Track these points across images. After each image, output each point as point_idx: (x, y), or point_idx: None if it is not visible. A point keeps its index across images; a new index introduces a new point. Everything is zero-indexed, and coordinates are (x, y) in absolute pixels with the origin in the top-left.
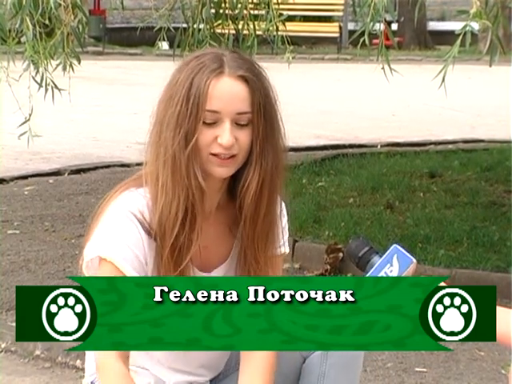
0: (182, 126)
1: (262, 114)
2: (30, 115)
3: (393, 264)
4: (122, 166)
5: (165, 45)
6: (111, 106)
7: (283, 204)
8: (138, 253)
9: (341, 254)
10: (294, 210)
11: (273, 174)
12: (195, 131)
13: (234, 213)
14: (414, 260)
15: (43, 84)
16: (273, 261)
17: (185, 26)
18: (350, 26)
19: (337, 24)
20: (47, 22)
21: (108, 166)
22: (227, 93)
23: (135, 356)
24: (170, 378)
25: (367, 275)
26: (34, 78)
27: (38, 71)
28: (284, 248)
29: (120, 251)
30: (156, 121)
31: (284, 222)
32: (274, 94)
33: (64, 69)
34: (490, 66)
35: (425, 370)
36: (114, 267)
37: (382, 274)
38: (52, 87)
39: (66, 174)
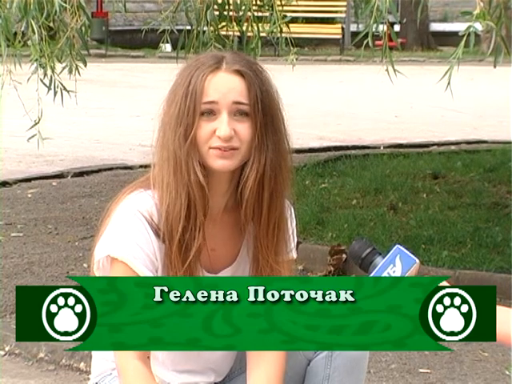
0: (181, 122)
1: (260, 107)
2: (40, 118)
3: (396, 264)
4: (125, 168)
5: (168, 47)
6: (114, 108)
7: (292, 209)
8: (149, 251)
9: (344, 256)
10: (297, 212)
11: (274, 171)
12: (193, 125)
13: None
14: (417, 260)
15: (52, 87)
16: (284, 266)
17: (188, 27)
18: (353, 27)
19: (339, 25)
20: (51, 24)
21: (111, 169)
22: (223, 84)
23: None
24: (175, 380)
25: (370, 276)
26: (42, 80)
27: (46, 74)
28: (292, 253)
29: (131, 250)
30: (161, 123)
31: (292, 228)
32: (275, 92)
33: (70, 72)
34: (495, 66)
35: (429, 371)
36: (127, 266)
37: (385, 274)
38: (61, 89)
39: (69, 177)
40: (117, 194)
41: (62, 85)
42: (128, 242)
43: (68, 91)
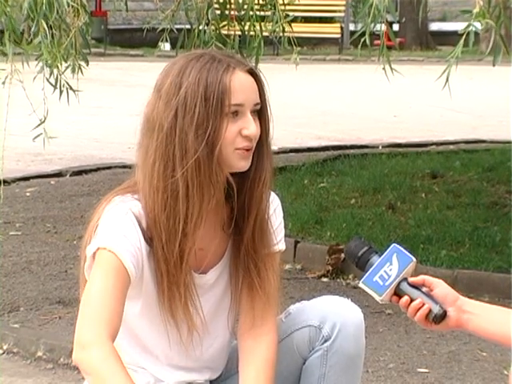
0: (203, 128)
1: (267, 104)
2: (45, 117)
3: (392, 263)
4: (124, 167)
5: (167, 46)
6: (112, 107)
7: (278, 201)
8: (135, 244)
9: (342, 255)
10: (295, 211)
11: (272, 164)
12: (220, 129)
13: (226, 213)
14: (414, 259)
15: (57, 86)
16: (271, 258)
17: (188, 26)
18: (352, 26)
19: (338, 25)
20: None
21: (109, 168)
22: (246, 85)
23: (133, 355)
24: (170, 378)
25: (366, 274)
26: (48, 79)
27: (52, 73)
28: (280, 245)
29: (117, 239)
30: (158, 132)
31: (280, 219)
32: None
33: (73, 71)
34: (494, 65)
35: (427, 370)
36: (111, 253)
37: (381, 272)
38: (67, 89)
39: (68, 176)
40: (97, 203)
41: (68, 84)
42: (115, 233)
43: (74, 91)
